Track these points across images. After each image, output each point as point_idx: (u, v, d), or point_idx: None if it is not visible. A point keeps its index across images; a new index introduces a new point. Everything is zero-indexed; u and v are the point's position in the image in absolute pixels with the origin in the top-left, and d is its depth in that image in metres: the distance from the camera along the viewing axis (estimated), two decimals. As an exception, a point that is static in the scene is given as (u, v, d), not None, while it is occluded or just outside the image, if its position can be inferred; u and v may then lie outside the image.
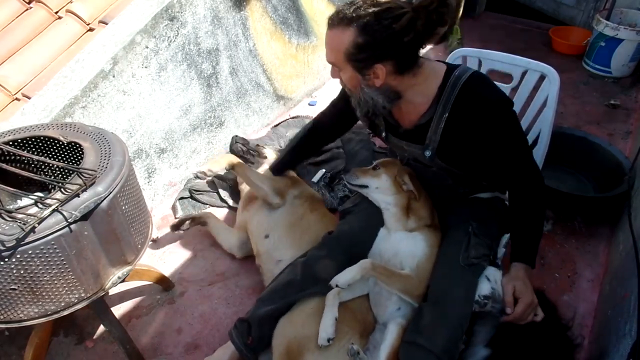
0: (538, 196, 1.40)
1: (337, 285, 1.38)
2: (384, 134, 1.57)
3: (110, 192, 1.25)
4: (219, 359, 1.54)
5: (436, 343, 1.26)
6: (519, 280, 1.34)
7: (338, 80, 1.43)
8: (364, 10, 1.22)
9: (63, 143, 1.40)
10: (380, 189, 1.54)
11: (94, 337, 1.74)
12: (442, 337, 1.27)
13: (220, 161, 2.03)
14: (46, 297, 1.21)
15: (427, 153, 1.44)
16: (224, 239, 2.06)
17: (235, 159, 2.03)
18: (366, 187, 1.58)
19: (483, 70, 1.87)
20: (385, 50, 1.25)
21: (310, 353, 1.34)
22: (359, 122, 1.69)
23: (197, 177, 1.99)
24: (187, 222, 2.11)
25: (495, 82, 1.42)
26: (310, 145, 1.94)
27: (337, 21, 1.26)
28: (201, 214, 2.15)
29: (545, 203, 1.42)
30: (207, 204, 2.34)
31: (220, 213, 2.32)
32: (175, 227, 2.09)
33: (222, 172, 2.08)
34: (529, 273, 1.37)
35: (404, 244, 1.47)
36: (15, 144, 1.39)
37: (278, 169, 1.96)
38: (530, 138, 1.85)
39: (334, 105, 1.76)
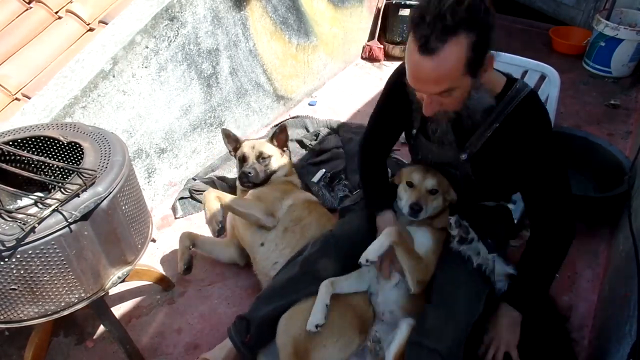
0: (561, 240, 1.34)
1: (367, 260, 1.36)
2: (414, 131, 1.49)
3: (110, 192, 1.25)
4: (216, 356, 1.54)
5: (442, 344, 1.27)
6: (499, 332, 1.35)
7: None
8: (458, 9, 1.07)
9: (63, 143, 1.40)
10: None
11: (94, 337, 1.74)
12: (447, 338, 1.28)
13: (211, 204, 1.86)
14: (46, 297, 1.21)
15: (463, 156, 1.39)
16: (220, 253, 2.01)
17: (219, 195, 1.89)
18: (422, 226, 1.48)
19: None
20: (491, 31, 1.14)
21: (317, 350, 1.36)
22: (359, 122, 1.68)
23: (219, 234, 1.87)
24: (189, 257, 1.92)
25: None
26: (380, 169, 1.66)
27: (437, 41, 1.07)
28: (185, 238, 1.95)
29: (566, 251, 1.35)
30: (207, 204, 2.34)
31: (220, 213, 2.32)
32: (188, 269, 1.90)
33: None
34: (515, 321, 1.36)
35: (413, 235, 1.47)
36: (15, 144, 1.39)
37: (381, 208, 1.55)
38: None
39: (378, 130, 1.61)
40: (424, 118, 1.36)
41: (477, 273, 1.39)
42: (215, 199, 1.86)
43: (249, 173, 1.99)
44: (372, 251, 1.37)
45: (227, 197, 1.90)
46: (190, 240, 1.95)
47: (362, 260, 1.37)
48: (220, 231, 1.83)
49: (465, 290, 1.35)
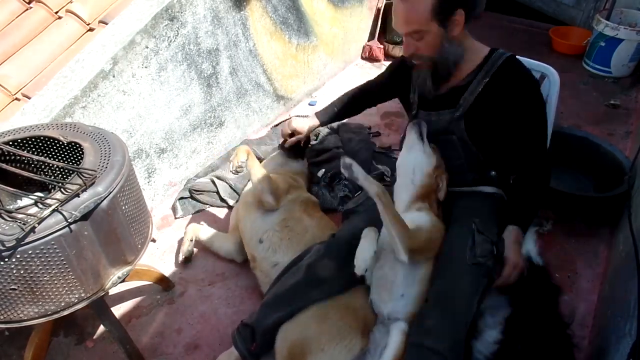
0: (544, 178, 1.53)
1: (365, 271, 1.37)
2: (414, 111, 1.66)
3: (110, 192, 1.25)
4: None
5: (443, 343, 1.26)
6: (509, 244, 1.43)
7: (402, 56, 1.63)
8: None
9: (63, 143, 1.40)
10: (422, 163, 1.53)
11: (94, 337, 1.74)
12: (448, 336, 1.27)
13: (240, 153, 2.00)
14: (46, 297, 1.21)
15: (457, 113, 1.52)
16: (220, 246, 2.04)
17: (250, 152, 2.03)
18: (419, 144, 1.54)
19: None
20: None
21: (312, 355, 1.34)
22: (359, 122, 1.71)
23: (237, 172, 2.04)
24: (191, 248, 2.05)
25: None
26: (356, 106, 2.00)
27: None
28: (190, 230, 2.08)
29: (547, 184, 1.54)
30: (207, 204, 2.34)
31: (221, 213, 2.32)
32: (188, 259, 2.03)
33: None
34: (520, 236, 1.47)
35: (409, 216, 1.44)
36: (15, 144, 1.39)
37: (323, 119, 1.97)
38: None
39: (381, 82, 1.88)
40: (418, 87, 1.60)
41: (475, 268, 1.38)
42: (245, 151, 2.00)
43: None
44: (362, 260, 1.35)
45: (255, 160, 2.00)
46: (195, 234, 2.06)
47: (357, 271, 1.37)
48: (238, 171, 2.00)
49: (463, 287, 1.35)
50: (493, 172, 1.58)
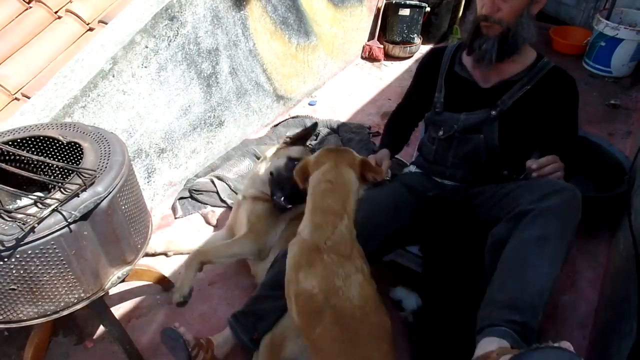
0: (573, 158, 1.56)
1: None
2: (437, 110, 1.66)
3: (110, 192, 1.25)
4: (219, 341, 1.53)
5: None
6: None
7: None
8: None
9: (63, 143, 1.39)
10: None
11: (94, 337, 1.74)
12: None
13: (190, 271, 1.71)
14: (46, 297, 1.20)
15: (493, 113, 1.54)
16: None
17: (203, 260, 1.73)
18: None
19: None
20: None
21: (289, 340, 1.41)
22: (358, 121, 1.69)
23: (181, 304, 1.66)
24: (192, 286, 1.70)
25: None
26: (400, 127, 1.92)
27: None
28: (197, 261, 1.74)
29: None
30: (206, 204, 2.34)
31: (220, 213, 2.32)
32: (184, 303, 1.66)
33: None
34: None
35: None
36: (15, 143, 1.39)
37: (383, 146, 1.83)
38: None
39: (411, 91, 1.86)
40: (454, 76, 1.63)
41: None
42: (197, 264, 1.70)
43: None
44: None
45: (210, 254, 1.76)
46: (200, 264, 1.72)
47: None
48: (183, 304, 1.64)
49: None
50: (506, 172, 1.61)
